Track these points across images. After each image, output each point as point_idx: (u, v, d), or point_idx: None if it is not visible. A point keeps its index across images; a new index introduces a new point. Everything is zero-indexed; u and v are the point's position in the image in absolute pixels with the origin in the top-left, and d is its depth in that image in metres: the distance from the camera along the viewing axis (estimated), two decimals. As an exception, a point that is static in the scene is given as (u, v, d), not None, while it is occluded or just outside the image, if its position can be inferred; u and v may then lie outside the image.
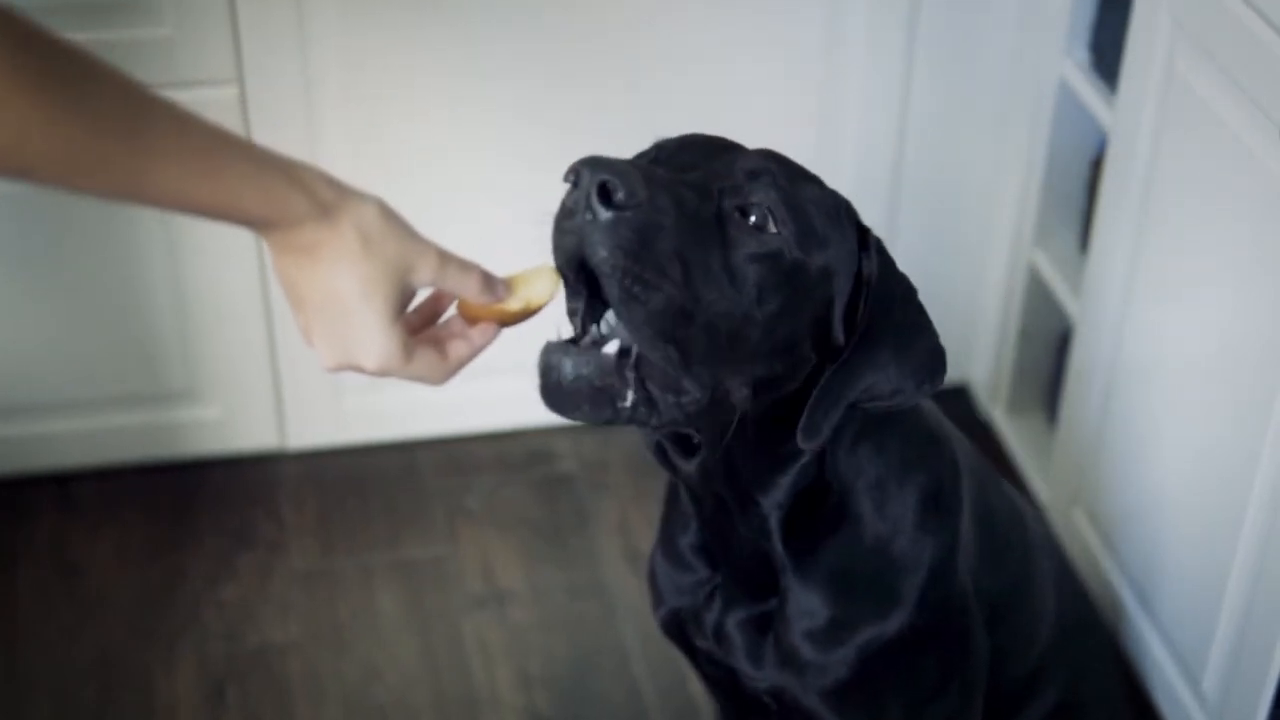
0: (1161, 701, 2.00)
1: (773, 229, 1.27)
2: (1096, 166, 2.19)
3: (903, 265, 2.49)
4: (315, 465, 2.43)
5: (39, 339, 2.27)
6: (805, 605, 1.47)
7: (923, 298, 2.53)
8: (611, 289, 1.20)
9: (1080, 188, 2.26)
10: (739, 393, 1.30)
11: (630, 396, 1.25)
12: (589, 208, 1.19)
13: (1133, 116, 1.94)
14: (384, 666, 2.14)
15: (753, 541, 1.46)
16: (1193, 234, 1.85)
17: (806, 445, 1.33)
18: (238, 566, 2.27)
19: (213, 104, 2.13)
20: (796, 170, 1.36)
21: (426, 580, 2.26)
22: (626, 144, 2.24)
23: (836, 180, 2.33)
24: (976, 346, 2.51)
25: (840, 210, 1.35)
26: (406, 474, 2.42)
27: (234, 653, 2.15)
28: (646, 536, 2.29)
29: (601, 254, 1.18)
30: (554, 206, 1.25)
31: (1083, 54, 2.15)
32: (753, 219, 1.27)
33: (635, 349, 1.25)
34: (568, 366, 1.24)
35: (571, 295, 1.28)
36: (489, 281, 1.27)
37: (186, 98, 2.10)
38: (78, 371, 2.31)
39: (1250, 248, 1.74)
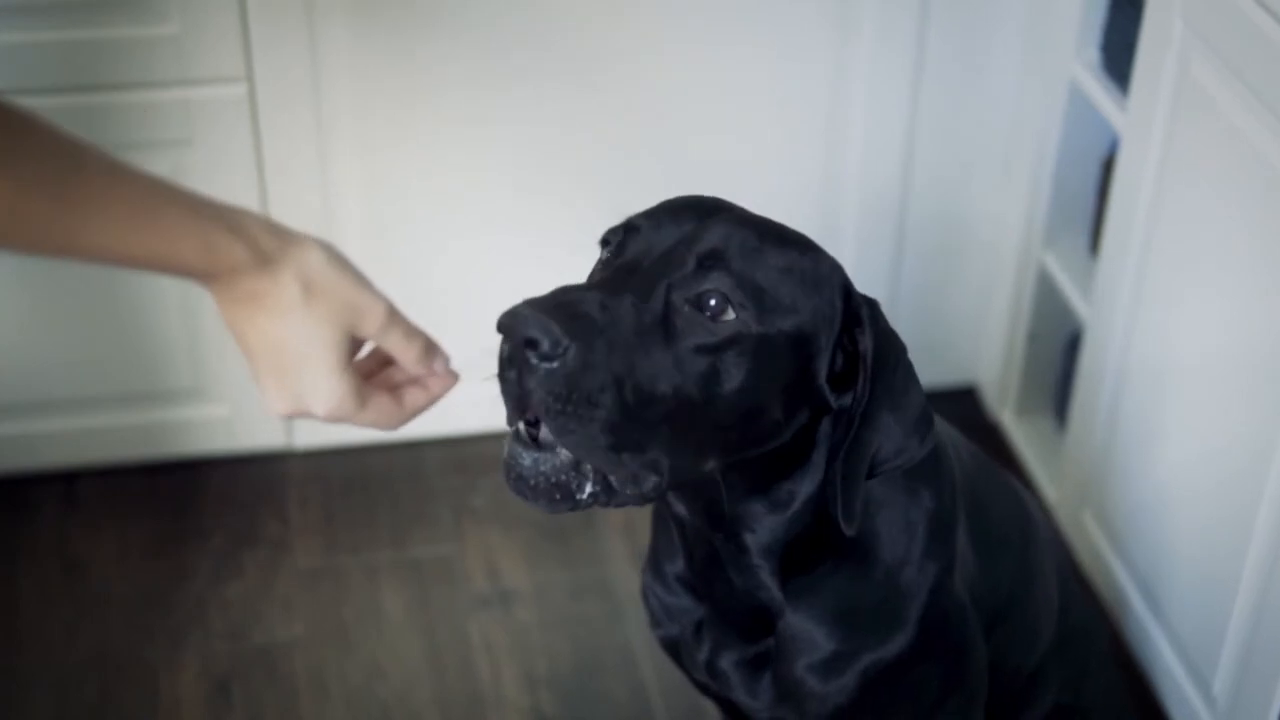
0: (1171, 705, 1.99)
1: (730, 315, 1.27)
2: (1107, 168, 2.19)
3: (912, 267, 2.50)
4: (321, 464, 2.42)
5: (44, 336, 2.27)
6: (806, 641, 1.47)
7: (932, 299, 2.53)
8: (549, 427, 1.24)
9: (1090, 189, 2.25)
10: (709, 464, 1.31)
11: (588, 489, 1.28)
12: (520, 361, 1.22)
13: (1144, 118, 1.93)
14: (388, 665, 2.14)
15: (744, 588, 1.46)
16: (1204, 236, 1.84)
17: (850, 531, 1.35)
18: (242, 565, 2.27)
19: (221, 102, 2.13)
20: (768, 236, 1.34)
21: (432, 579, 2.26)
22: (637, 162, 2.24)
23: (845, 184, 2.35)
24: (985, 348, 2.50)
25: (821, 277, 1.33)
26: (412, 473, 2.42)
27: (238, 651, 2.14)
28: (653, 537, 2.29)
29: (534, 401, 1.22)
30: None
31: (1093, 55, 2.14)
32: (708, 310, 1.27)
33: None
34: (526, 462, 1.27)
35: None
36: (429, 351, 1.27)
37: (195, 95, 2.13)
38: (83, 369, 2.30)
39: (1261, 250, 1.73)
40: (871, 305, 1.35)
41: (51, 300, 2.25)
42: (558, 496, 1.29)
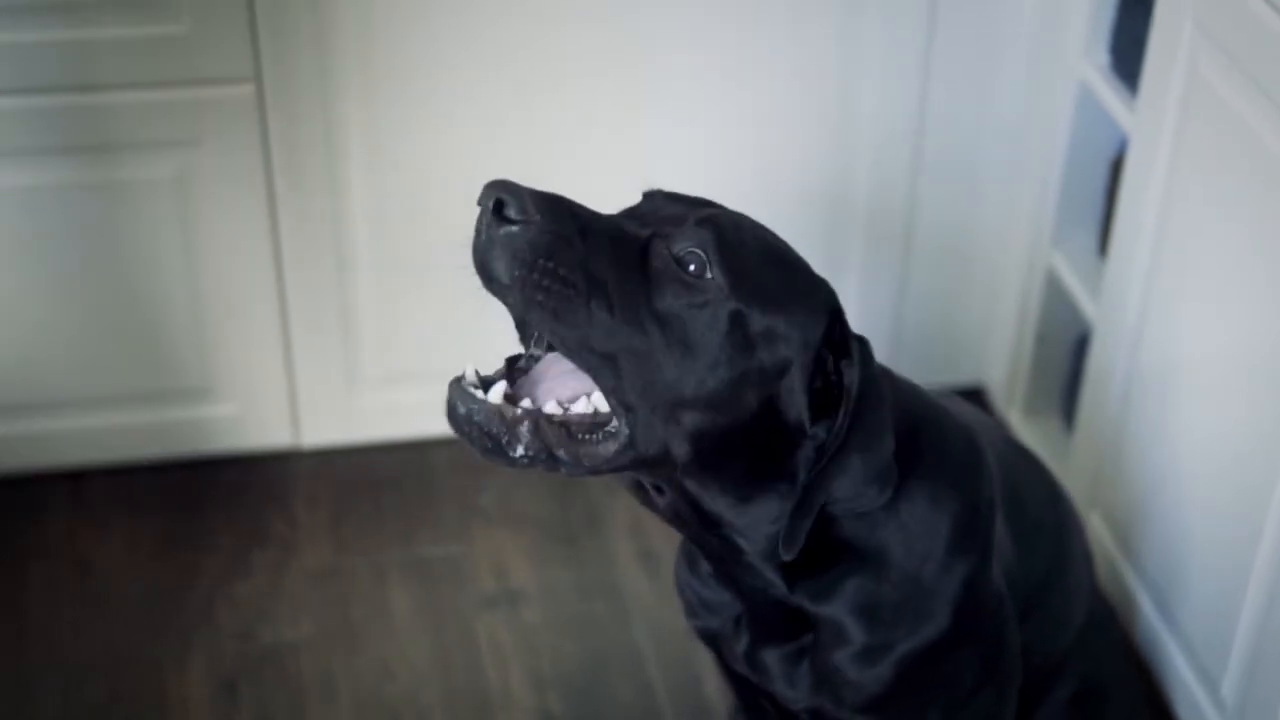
0: (1179, 706, 1.99)
1: (708, 275, 1.29)
2: (1115, 168, 2.18)
3: (920, 267, 2.50)
4: (329, 464, 2.42)
5: (53, 336, 2.27)
6: (840, 634, 1.48)
7: (940, 299, 2.51)
8: (512, 297, 1.27)
9: (1099, 190, 2.25)
10: (679, 447, 1.32)
11: (520, 450, 1.30)
12: (488, 225, 1.26)
13: (1154, 119, 1.93)
14: (396, 665, 2.14)
15: (756, 585, 1.47)
16: (1214, 237, 1.84)
17: (788, 556, 1.37)
18: (250, 564, 2.27)
19: (229, 102, 2.13)
20: (773, 239, 1.37)
21: (439, 579, 2.26)
22: (646, 156, 2.24)
23: (853, 184, 2.35)
24: (993, 348, 2.50)
25: (811, 291, 1.36)
26: (420, 473, 2.42)
27: (246, 651, 2.15)
28: (659, 538, 2.28)
29: (499, 266, 1.26)
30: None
31: (1102, 56, 2.14)
32: (690, 266, 1.29)
33: (538, 410, 1.30)
34: (459, 407, 1.31)
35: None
36: None
37: (203, 95, 2.12)
38: (91, 368, 2.30)
39: (1272, 250, 1.73)
40: (863, 343, 1.37)
41: (60, 300, 2.25)
42: (490, 447, 1.31)
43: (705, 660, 2.12)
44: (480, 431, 1.30)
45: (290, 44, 2.10)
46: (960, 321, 2.49)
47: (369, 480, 2.41)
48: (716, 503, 1.38)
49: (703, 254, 1.29)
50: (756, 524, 1.39)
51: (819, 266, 2.48)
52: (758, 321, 1.31)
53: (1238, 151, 1.77)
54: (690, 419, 1.31)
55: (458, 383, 1.31)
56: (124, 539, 2.30)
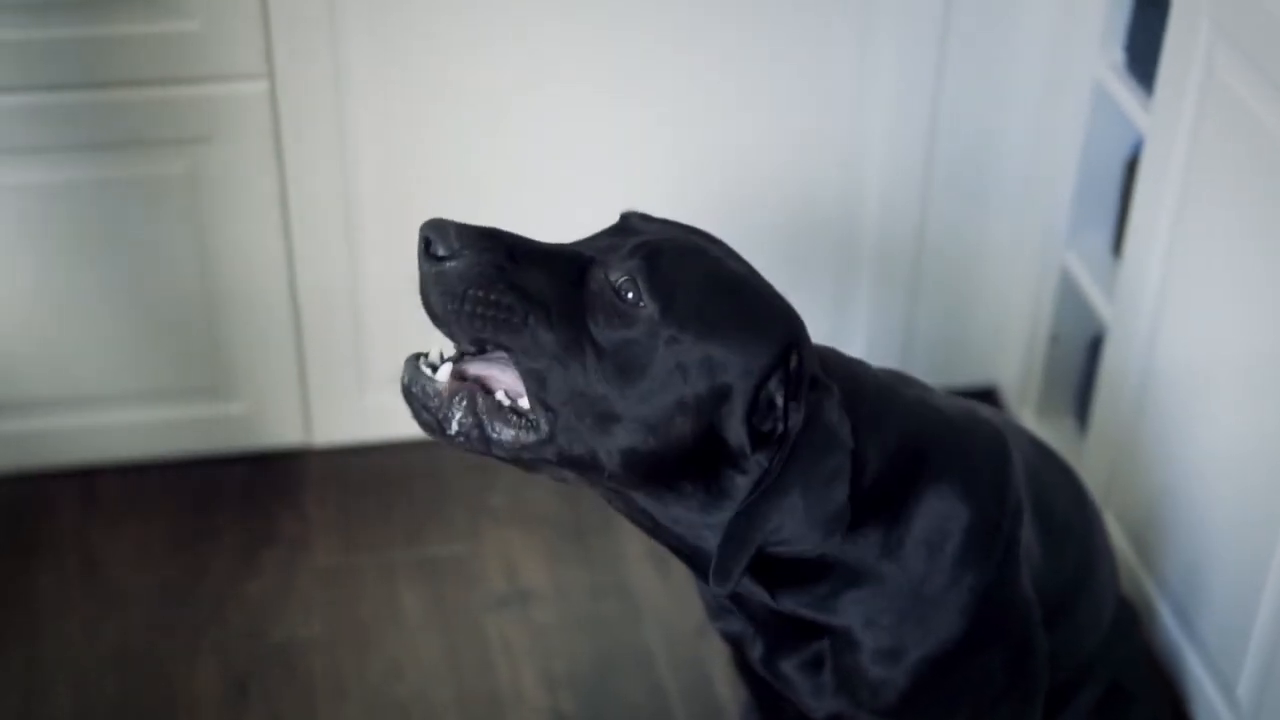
0: (1195, 707, 1.98)
1: (641, 303, 1.32)
2: (1130, 168, 2.18)
3: (933, 268, 2.49)
4: (339, 462, 2.42)
5: (63, 333, 2.27)
6: (849, 643, 1.48)
7: (953, 299, 2.51)
8: (448, 329, 1.34)
9: (1114, 190, 2.24)
10: (610, 459, 1.34)
11: (455, 427, 1.36)
12: (422, 265, 1.33)
13: (1169, 119, 1.92)
14: (406, 664, 2.13)
15: (749, 595, 1.46)
16: (1230, 237, 1.83)
17: (719, 590, 1.37)
18: (261, 563, 2.27)
19: (242, 98, 2.13)
20: (724, 266, 1.37)
21: (449, 578, 2.25)
22: (659, 160, 2.23)
23: (866, 184, 2.34)
24: (1006, 348, 2.49)
25: (759, 320, 1.36)
26: (430, 472, 2.42)
27: (256, 649, 2.14)
28: (672, 537, 2.28)
29: (434, 302, 1.33)
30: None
31: (1118, 55, 2.13)
32: (628, 294, 1.32)
33: (474, 387, 1.36)
34: (406, 380, 1.38)
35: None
36: None
37: (216, 92, 2.12)
38: (102, 366, 2.30)
39: (1288, 251, 1.72)
40: (820, 391, 1.35)
41: (71, 296, 2.24)
42: (431, 422, 1.37)
43: (716, 660, 2.11)
44: (420, 405, 1.37)
45: (303, 40, 2.10)
46: (973, 321, 2.48)
47: (380, 479, 2.41)
48: (657, 509, 1.40)
49: (634, 281, 1.32)
50: (699, 531, 1.40)
51: (830, 265, 2.48)
52: (693, 349, 1.33)
53: (1255, 152, 1.76)
54: (621, 434, 1.34)
55: (414, 359, 1.38)
56: (135, 537, 2.30)
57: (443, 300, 1.32)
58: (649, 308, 1.32)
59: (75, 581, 2.23)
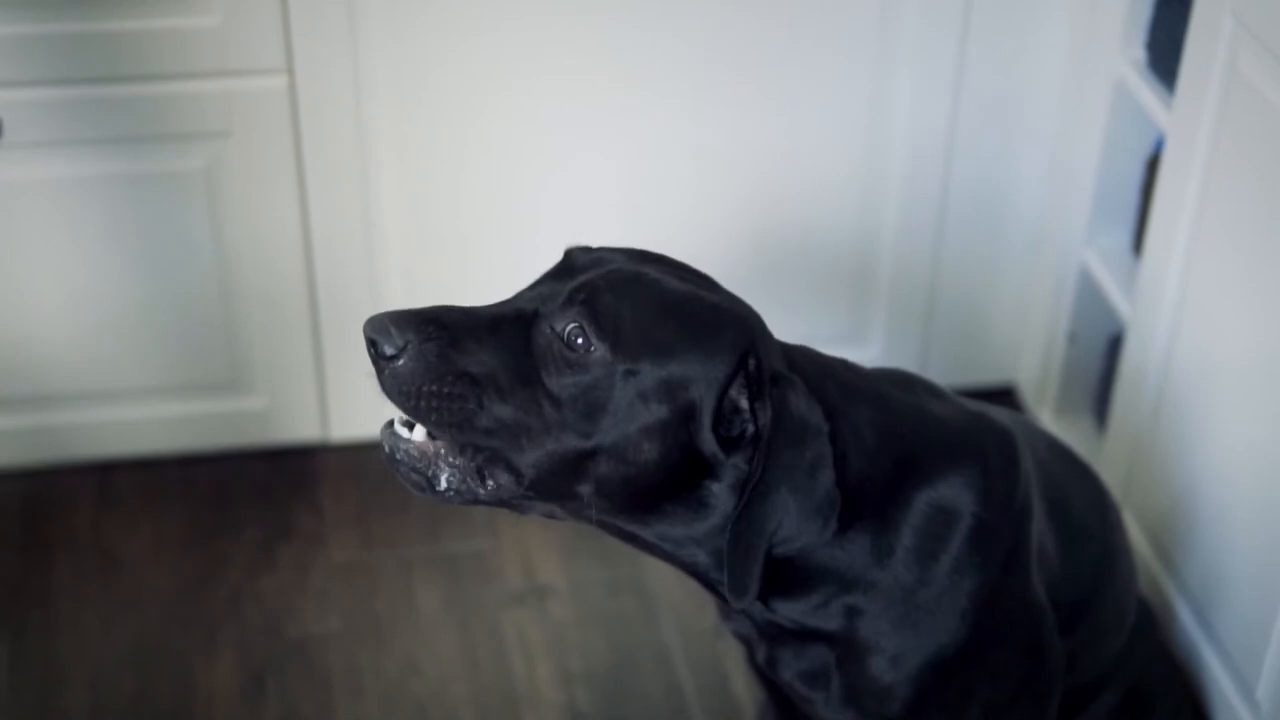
0: (1214, 707, 1.97)
1: (592, 348, 1.33)
2: (1151, 166, 2.17)
3: (952, 265, 2.48)
4: (356, 457, 2.42)
5: (83, 328, 2.27)
6: (850, 648, 1.48)
7: (972, 297, 2.49)
8: (415, 420, 1.36)
9: (1134, 188, 2.23)
10: (589, 494, 1.36)
11: (444, 483, 1.38)
12: (375, 361, 1.36)
13: (1191, 117, 1.91)
14: (423, 660, 2.13)
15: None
16: (1250, 235, 1.83)
17: (739, 604, 1.39)
18: (278, 558, 2.27)
19: (261, 94, 2.13)
20: (665, 283, 1.38)
21: (466, 575, 2.25)
22: (679, 160, 2.22)
23: (886, 181, 2.34)
24: (1025, 346, 2.48)
25: (712, 331, 1.36)
26: (448, 468, 2.41)
27: (273, 644, 2.14)
28: (689, 534, 2.27)
29: (395, 401, 1.36)
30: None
31: (1139, 53, 2.12)
32: (577, 340, 1.34)
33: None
34: (388, 449, 1.41)
35: None
36: None
37: (235, 87, 2.12)
38: (120, 361, 2.30)
39: (1311, 250, 1.71)
40: (784, 385, 1.36)
41: (89, 291, 2.25)
42: (420, 482, 1.39)
43: (733, 658, 2.11)
44: (409, 469, 1.39)
45: (322, 36, 2.10)
46: (991, 319, 2.48)
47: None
48: (642, 530, 1.41)
49: (581, 327, 1.34)
50: (687, 547, 1.41)
51: (849, 262, 2.47)
52: (649, 376, 1.34)
53: (1278, 150, 1.75)
54: (594, 468, 1.35)
55: (389, 426, 1.41)
56: (152, 532, 2.30)
57: (401, 399, 1.35)
58: (599, 350, 1.33)
59: (92, 576, 2.23)
